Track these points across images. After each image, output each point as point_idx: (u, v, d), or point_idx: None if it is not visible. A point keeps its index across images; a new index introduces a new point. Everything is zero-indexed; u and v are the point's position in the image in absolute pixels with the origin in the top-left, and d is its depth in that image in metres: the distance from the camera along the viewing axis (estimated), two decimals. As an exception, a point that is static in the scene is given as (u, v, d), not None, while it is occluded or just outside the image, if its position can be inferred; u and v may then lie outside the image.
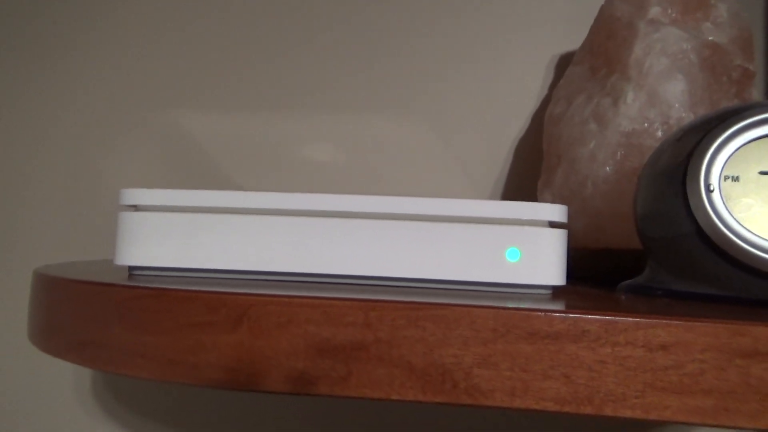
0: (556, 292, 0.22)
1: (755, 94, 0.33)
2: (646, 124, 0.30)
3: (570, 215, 0.32)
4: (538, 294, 0.21)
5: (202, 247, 0.22)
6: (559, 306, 0.17)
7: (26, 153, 0.47)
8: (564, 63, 0.45)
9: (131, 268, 0.23)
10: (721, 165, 0.21)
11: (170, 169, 0.46)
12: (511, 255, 0.21)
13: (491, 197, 0.45)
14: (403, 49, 0.45)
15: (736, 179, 0.21)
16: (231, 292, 0.17)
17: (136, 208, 0.23)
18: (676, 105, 0.29)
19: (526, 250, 0.21)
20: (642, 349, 0.15)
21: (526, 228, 0.21)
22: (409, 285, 0.22)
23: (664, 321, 0.15)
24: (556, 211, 0.22)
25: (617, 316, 0.16)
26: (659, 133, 0.29)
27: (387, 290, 0.20)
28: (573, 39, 0.45)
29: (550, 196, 0.34)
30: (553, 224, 0.22)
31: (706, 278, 0.22)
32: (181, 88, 0.47)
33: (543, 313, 0.16)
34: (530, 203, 0.22)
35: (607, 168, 0.31)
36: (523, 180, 0.44)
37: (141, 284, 0.18)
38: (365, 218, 0.21)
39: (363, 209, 0.21)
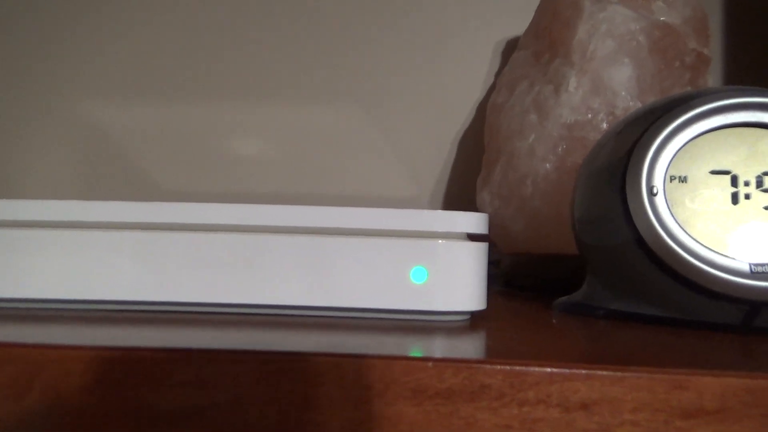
0: (475, 318, 0.19)
1: (711, 82, 0.30)
2: (589, 115, 0.26)
3: (509, 216, 0.29)
4: (453, 322, 0.18)
5: (27, 271, 0.17)
6: (451, 350, 0.13)
7: None
8: (512, 48, 0.42)
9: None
10: (666, 163, 0.18)
11: (79, 166, 0.41)
12: (417, 275, 0.17)
13: (434, 192, 0.42)
14: (336, 32, 0.41)
15: (683, 180, 0.18)
16: (20, 344, 0.12)
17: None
18: (623, 93, 0.26)
19: (436, 268, 0.17)
20: (557, 409, 0.12)
21: (438, 242, 0.17)
22: (290, 314, 0.18)
23: (584, 372, 0.12)
24: (474, 221, 0.18)
25: (527, 365, 0.12)
26: (604, 125, 0.26)
27: (259, 321, 0.17)
28: (522, 23, 0.41)
29: (488, 195, 0.31)
30: (471, 237, 0.18)
31: (648, 296, 0.19)
32: (91, 76, 0.41)
33: (430, 364, 0.12)
34: (441, 212, 0.18)
35: (547, 164, 0.27)
36: (468, 175, 0.41)
37: None
38: (230, 231, 0.17)
39: (228, 220, 0.17)
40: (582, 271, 0.27)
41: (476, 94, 0.42)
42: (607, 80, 0.26)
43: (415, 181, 0.42)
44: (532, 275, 0.29)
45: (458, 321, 0.18)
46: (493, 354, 0.13)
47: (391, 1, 0.41)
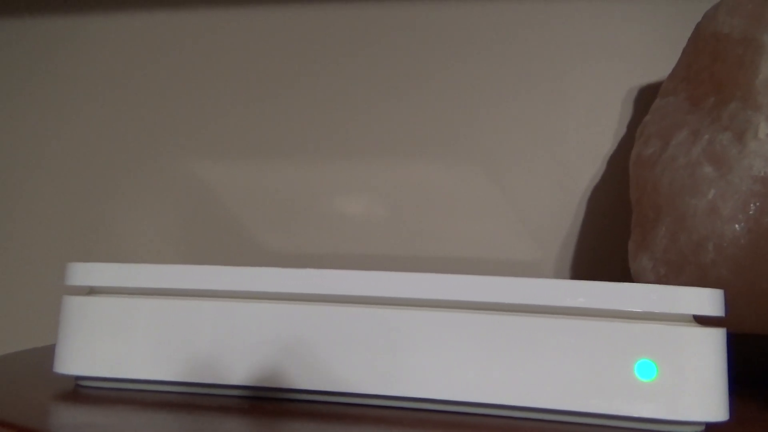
0: (709, 430, 0.14)
1: None
2: (791, 166, 0.22)
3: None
4: (685, 433, 0.14)
5: (173, 349, 0.15)
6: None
7: (25, 209, 0.43)
8: (645, 97, 0.38)
9: (78, 379, 0.16)
10: None
11: (181, 227, 0.41)
12: (643, 371, 0.13)
13: (560, 260, 0.37)
14: (451, 82, 0.39)
15: None
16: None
17: (91, 290, 0.17)
18: (836, 139, 0.21)
19: (663, 361, 0.13)
20: None
21: (663, 327, 0.14)
22: (481, 413, 0.14)
23: None
24: (706, 299, 0.14)
25: None
26: (813, 178, 0.21)
27: (444, 424, 0.13)
28: (654, 68, 0.37)
29: (649, 262, 0.26)
30: (699, 319, 0.14)
31: None
32: (196, 134, 0.42)
33: None
34: (659, 286, 0.14)
35: (737, 225, 0.23)
36: (603, 238, 0.36)
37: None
38: (403, 307, 0.14)
39: (397, 293, 0.14)
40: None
41: (605, 148, 0.38)
42: (811, 124, 0.22)
43: (537, 244, 0.38)
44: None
45: (692, 433, 0.14)
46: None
47: (506, 53, 0.39)
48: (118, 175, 0.42)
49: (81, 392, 0.16)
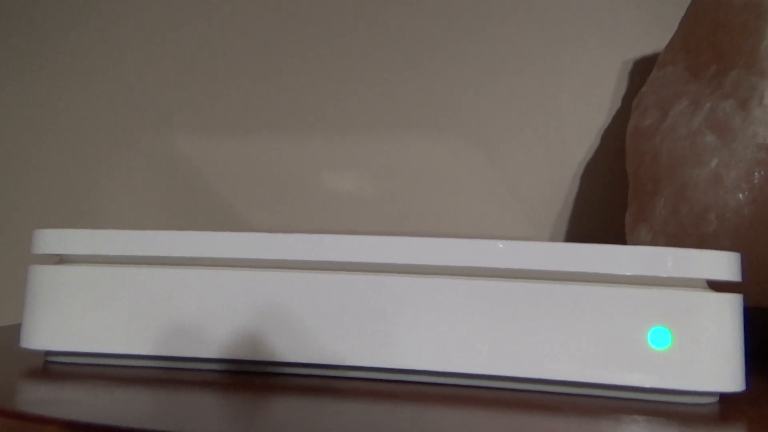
0: (723, 401, 0.13)
1: None
2: (798, 133, 0.21)
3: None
4: (695, 405, 0.13)
5: (150, 321, 0.14)
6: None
7: (6, 182, 0.41)
8: (639, 69, 0.37)
9: (48, 354, 0.15)
10: None
11: (164, 201, 0.39)
12: (657, 339, 0.12)
13: (553, 233, 0.37)
14: (444, 57, 0.38)
15: None
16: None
17: (60, 259, 0.15)
18: (844, 104, 0.21)
19: (676, 329, 0.13)
20: None
21: (676, 292, 0.13)
22: (483, 386, 0.13)
23: None
24: (722, 263, 0.13)
25: None
26: (820, 145, 0.21)
27: (443, 398, 0.12)
28: (648, 42, 0.37)
29: (648, 234, 0.25)
30: (713, 285, 0.14)
31: None
32: (182, 108, 0.40)
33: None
34: (677, 249, 0.13)
35: (740, 195, 0.22)
36: (598, 213, 0.36)
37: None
38: (397, 274, 0.13)
39: (396, 259, 0.13)
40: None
41: (600, 121, 0.37)
42: (819, 89, 0.21)
43: (530, 221, 0.37)
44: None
45: (705, 404, 0.13)
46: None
47: (499, 27, 0.38)
48: (101, 149, 0.40)
49: (50, 368, 0.14)
